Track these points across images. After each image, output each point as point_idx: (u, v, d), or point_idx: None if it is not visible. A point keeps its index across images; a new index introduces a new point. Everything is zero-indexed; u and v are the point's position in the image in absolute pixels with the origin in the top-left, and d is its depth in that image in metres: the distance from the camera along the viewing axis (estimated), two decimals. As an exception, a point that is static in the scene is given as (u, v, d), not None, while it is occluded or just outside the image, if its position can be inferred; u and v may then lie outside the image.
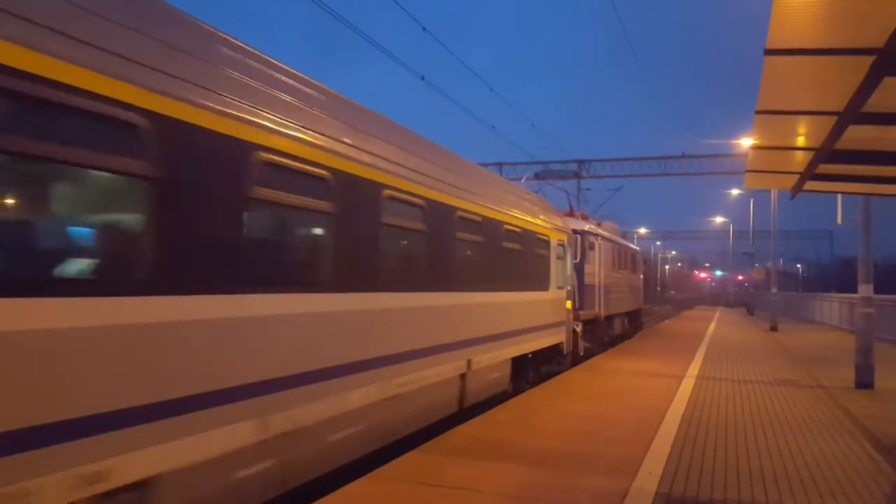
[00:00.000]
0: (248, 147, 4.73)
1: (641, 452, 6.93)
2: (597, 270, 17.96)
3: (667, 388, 11.20)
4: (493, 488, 5.62)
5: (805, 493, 5.77)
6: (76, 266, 3.81)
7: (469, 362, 8.85)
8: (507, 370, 10.67)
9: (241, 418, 4.58)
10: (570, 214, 18.18)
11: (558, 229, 13.60)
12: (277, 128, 5.05)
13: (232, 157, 4.60)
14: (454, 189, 8.44)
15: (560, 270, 13.52)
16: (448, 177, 8.40)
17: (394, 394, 6.81)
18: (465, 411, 8.97)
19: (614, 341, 20.97)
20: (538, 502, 5.33)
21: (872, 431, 8.26)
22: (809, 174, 8.24)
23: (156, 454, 3.88)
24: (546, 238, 12.53)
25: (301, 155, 5.29)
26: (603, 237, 19.10)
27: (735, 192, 49.08)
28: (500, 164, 41.39)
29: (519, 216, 11.01)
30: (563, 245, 13.83)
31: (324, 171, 5.59)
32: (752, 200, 45.65)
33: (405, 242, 7.44)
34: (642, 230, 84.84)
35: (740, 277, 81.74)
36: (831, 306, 30.88)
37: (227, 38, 5.04)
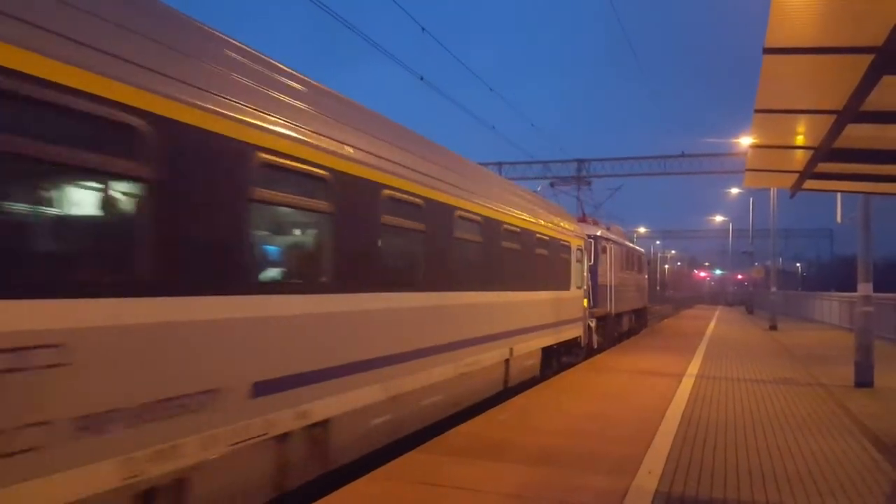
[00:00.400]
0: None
1: (641, 451, 6.94)
2: (608, 272, 19.46)
3: (666, 387, 11.21)
4: (494, 488, 5.62)
5: (805, 492, 5.77)
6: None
7: (511, 350, 10.63)
8: (538, 358, 12.45)
9: (375, 382, 6.43)
10: (583, 220, 19.85)
11: (577, 235, 15.33)
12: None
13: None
14: (501, 206, 10.24)
15: (578, 272, 15.19)
16: (495, 194, 10.23)
17: (461, 372, 8.60)
18: (508, 390, 10.68)
19: (623, 336, 22.30)
20: (539, 501, 5.34)
21: (872, 430, 8.26)
22: (809, 173, 8.24)
23: (330, 403, 5.73)
24: (568, 244, 14.29)
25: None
26: (613, 241, 20.52)
27: (734, 190, 49.11)
28: (500, 164, 41.39)
29: (548, 227, 12.87)
30: (580, 249, 15.50)
31: (419, 200, 7.43)
32: (751, 199, 45.67)
33: (467, 252, 8.97)
34: (642, 229, 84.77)
35: (740, 276, 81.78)
36: (831, 305, 30.90)
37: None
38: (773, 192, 29.00)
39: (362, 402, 6.22)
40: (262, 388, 4.81)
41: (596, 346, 17.25)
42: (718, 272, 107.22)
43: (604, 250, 19.13)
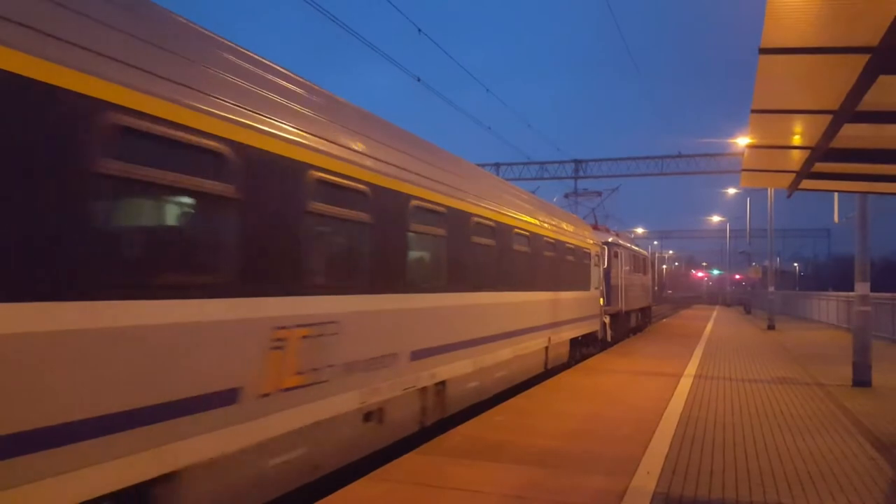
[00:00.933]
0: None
1: (640, 452, 6.94)
2: (619, 274, 21.64)
3: (665, 388, 11.21)
4: (493, 489, 5.62)
5: (803, 492, 5.78)
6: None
7: (549, 339, 13.12)
8: (568, 347, 14.95)
9: (468, 357, 8.90)
10: (596, 227, 21.96)
11: (595, 243, 17.90)
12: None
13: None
14: (541, 223, 12.75)
15: (595, 275, 17.65)
16: (538, 215, 12.86)
17: (517, 354, 11.06)
18: (548, 371, 13.18)
19: (631, 332, 24.57)
20: (538, 502, 5.33)
21: (870, 429, 8.27)
22: (805, 173, 8.25)
23: (446, 370, 8.17)
24: (588, 251, 16.83)
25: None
26: (623, 247, 22.66)
27: (732, 191, 49.27)
28: (497, 165, 41.43)
29: (574, 237, 15.48)
30: (597, 255, 18.04)
31: (492, 224, 9.85)
32: (748, 199, 45.73)
33: (519, 261, 11.26)
34: (639, 230, 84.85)
35: (737, 276, 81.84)
36: (828, 304, 30.94)
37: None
38: (770, 192, 29.04)
39: (462, 371, 8.75)
40: (415, 356, 7.33)
41: (610, 340, 19.28)
42: (716, 272, 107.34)
43: (615, 255, 21.14)
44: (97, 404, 3.59)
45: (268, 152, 4.95)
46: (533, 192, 15.20)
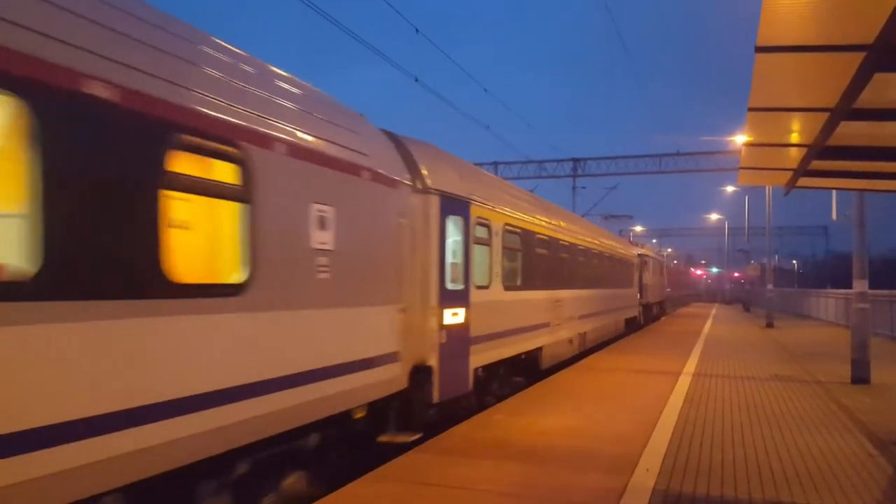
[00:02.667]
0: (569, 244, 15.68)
1: (639, 449, 6.96)
2: (647, 276, 30.03)
3: (664, 386, 11.23)
4: (492, 487, 5.63)
5: (802, 489, 5.79)
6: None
7: (616, 318, 21.62)
8: (623, 325, 23.32)
9: (582, 323, 16.15)
10: (632, 244, 32.15)
11: (633, 255, 26.83)
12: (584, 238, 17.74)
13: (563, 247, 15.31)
14: (608, 246, 20.87)
15: (635, 277, 26.52)
16: (605, 241, 20.79)
17: (604, 323, 19.33)
18: (615, 338, 21.08)
19: (653, 319, 32.79)
20: (537, 500, 5.35)
21: (869, 426, 8.30)
22: (803, 170, 8.26)
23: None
24: (631, 261, 25.67)
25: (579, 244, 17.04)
26: (649, 256, 31.91)
27: (730, 188, 49.22)
28: (495, 164, 41.38)
29: (623, 252, 23.97)
30: (634, 263, 26.48)
31: (585, 248, 17.14)
32: (746, 197, 45.70)
33: (601, 269, 18.73)
34: (638, 228, 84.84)
35: (736, 274, 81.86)
36: (827, 302, 30.99)
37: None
38: (768, 190, 29.09)
39: (584, 330, 16.34)
40: (580, 318, 15.84)
41: (642, 322, 28.15)
42: (715, 270, 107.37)
43: (644, 263, 29.33)
44: (527, 321, 11.66)
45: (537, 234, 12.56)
46: (531, 191, 15.34)
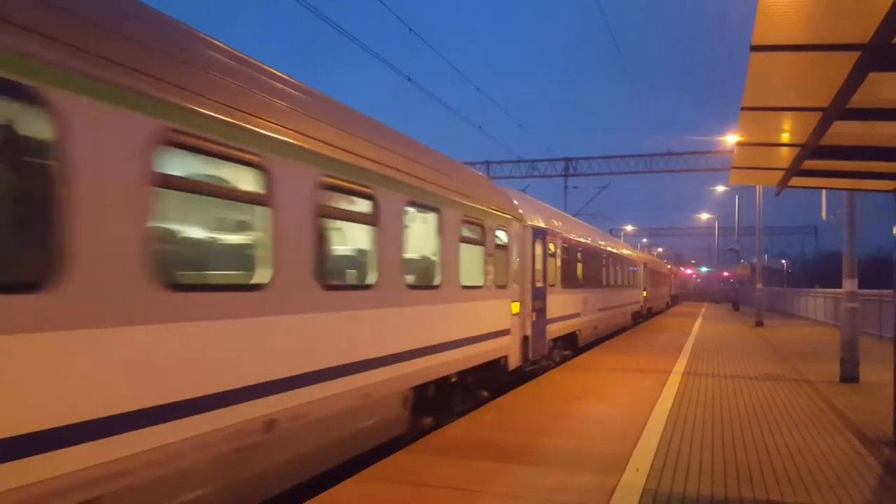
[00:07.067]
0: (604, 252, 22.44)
1: (629, 448, 6.95)
2: (645, 278, 35.33)
3: (654, 385, 11.24)
4: (483, 487, 5.60)
5: (791, 487, 5.80)
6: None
7: (626, 311, 27.13)
8: (630, 316, 27.86)
9: (598, 316, 20.06)
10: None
11: (641, 262, 33.49)
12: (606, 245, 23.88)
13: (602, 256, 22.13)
14: (627, 253, 29.33)
15: (640, 278, 32.28)
16: (624, 248, 31.00)
17: (614, 313, 23.48)
18: (633, 324, 28.71)
19: (667, 308, 43.30)
20: (528, 500, 5.32)
21: (857, 425, 8.33)
22: (795, 170, 8.26)
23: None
24: (638, 266, 31.37)
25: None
26: (651, 261, 39.07)
27: (720, 188, 49.46)
28: (487, 163, 41.35)
29: (635, 259, 30.97)
30: (640, 268, 32.56)
31: (613, 257, 24.16)
32: (737, 197, 45.92)
33: (622, 271, 25.79)
34: (628, 227, 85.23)
35: (726, 273, 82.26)
36: (816, 301, 31.18)
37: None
38: (758, 190, 29.21)
39: (597, 318, 19.78)
40: (600, 309, 20.18)
41: (645, 314, 34.36)
42: (704, 269, 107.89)
43: (645, 265, 35.37)
44: (567, 311, 15.78)
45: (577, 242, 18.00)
46: (523, 191, 15.50)
